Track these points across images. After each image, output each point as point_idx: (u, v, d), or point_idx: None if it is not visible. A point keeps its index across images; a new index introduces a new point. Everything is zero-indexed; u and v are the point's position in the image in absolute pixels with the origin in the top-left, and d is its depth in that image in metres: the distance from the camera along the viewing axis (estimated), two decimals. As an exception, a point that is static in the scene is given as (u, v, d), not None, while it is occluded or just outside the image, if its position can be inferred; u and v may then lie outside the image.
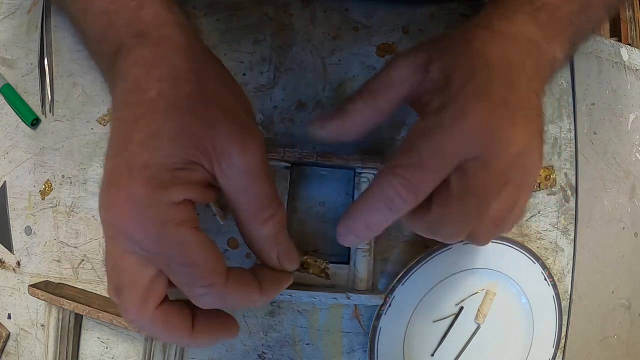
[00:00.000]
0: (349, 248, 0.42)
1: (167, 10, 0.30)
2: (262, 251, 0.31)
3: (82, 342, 0.45)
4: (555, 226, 0.48)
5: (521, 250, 0.45)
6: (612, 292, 0.49)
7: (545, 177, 0.48)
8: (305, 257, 0.40)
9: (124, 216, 0.26)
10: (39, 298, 0.42)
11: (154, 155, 0.26)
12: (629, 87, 0.51)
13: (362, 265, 0.41)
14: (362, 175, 0.41)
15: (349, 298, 0.38)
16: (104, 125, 0.46)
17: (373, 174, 0.41)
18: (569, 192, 0.48)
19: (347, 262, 0.42)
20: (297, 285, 0.39)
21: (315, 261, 0.40)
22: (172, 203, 0.26)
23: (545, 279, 0.45)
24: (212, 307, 0.28)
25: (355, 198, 0.41)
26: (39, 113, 0.46)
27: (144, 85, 0.27)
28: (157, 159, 0.26)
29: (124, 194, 0.26)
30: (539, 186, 0.47)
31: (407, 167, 0.28)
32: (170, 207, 0.26)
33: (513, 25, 0.32)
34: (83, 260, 0.45)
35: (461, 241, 0.33)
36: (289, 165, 0.41)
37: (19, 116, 0.47)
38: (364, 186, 0.41)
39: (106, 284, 0.45)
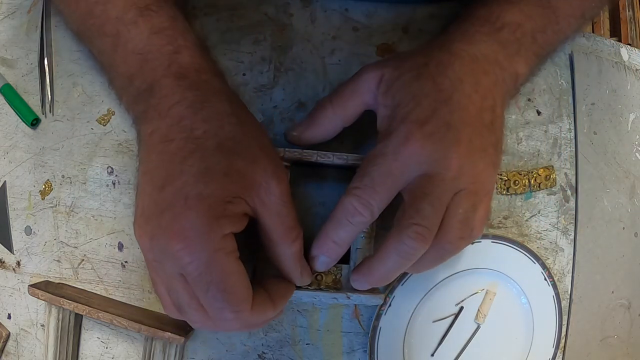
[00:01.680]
0: (349, 248, 0.42)
1: (202, 57, 0.34)
2: (289, 267, 0.35)
3: (82, 342, 0.45)
4: (555, 226, 0.48)
5: (521, 250, 0.45)
6: (612, 292, 0.49)
7: (546, 177, 0.48)
8: None
9: (176, 243, 0.29)
10: (39, 298, 0.42)
11: (208, 187, 0.29)
12: (629, 87, 0.51)
13: None
14: None
15: (349, 298, 0.38)
16: (104, 125, 0.46)
17: None
18: (569, 192, 0.48)
19: (347, 262, 0.42)
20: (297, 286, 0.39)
21: (330, 270, 0.40)
22: (223, 234, 0.30)
23: (545, 279, 0.45)
24: (231, 330, 0.34)
25: None
26: (39, 113, 0.46)
27: (190, 124, 0.30)
28: (211, 191, 0.29)
29: (178, 223, 0.29)
30: (539, 186, 0.47)
31: (361, 188, 0.33)
32: (222, 237, 0.30)
33: (472, 46, 0.35)
34: (83, 260, 0.45)
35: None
36: (288, 165, 0.41)
37: (19, 116, 0.47)
38: None
39: (106, 283, 0.45)
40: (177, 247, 0.29)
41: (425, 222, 0.32)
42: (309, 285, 0.39)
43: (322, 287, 0.39)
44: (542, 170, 0.47)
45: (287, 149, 0.39)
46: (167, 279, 0.31)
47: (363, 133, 0.45)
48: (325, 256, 0.36)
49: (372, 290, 0.40)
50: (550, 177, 0.48)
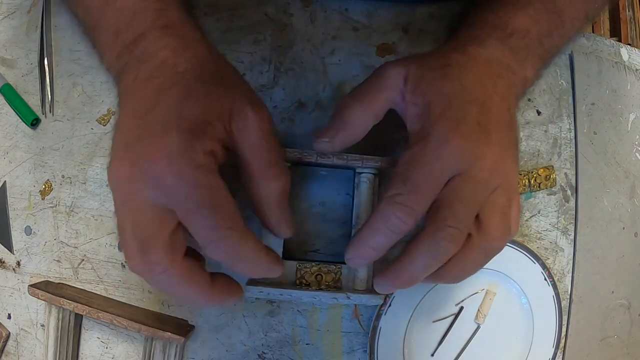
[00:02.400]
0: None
1: (187, 14, 0.35)
2: (264, 211, 0.35)
3: (82, 342, 0.45)
4: (555, 226, 0.48)
5: (521, 250, 0.45)
6: (612, 292, 0.49)
7: (546, 177, 0.48)
8: (318, 266, 0.40)
9: (158, 162, 0.29)
10: (39, 298, 0.42)
11: (188, 110, 0.30)
12: (629, 87, 0.51)
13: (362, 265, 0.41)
14: (362, 175, 0.41)
15: (349, 298, 0.38)
16: (104, 125, 0.46)
17: (373, 173, 0.41)
18: (569, 192, 0.48)
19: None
20: (300, 285, 0.39)
21: (329, 270, 0.40)
22: (204, 151, 0.30)
23: (545, 279, 0.45)
24: (226, 256, 0.31)
25: (355, 198, 0.41)
26: (39, 113, 0.46)
27: (173, 63, 0.32)
28: (191, 113, 0.30)
29: (160, 143, 0.29)
30: (539, 186, 0.47)
31: (404, 194, 0.32)
32: (203, 154, 0.30)
33: (485, 50, 0.36)
34: (83, 260, 0.45)
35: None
36: (289, 165, 0.41)
37: (19, 116, 0.47)
38: (364, 186, 0.41)
39: (106, 283, 0.45)
40: (161, 166, 0.29)
41: (460, 225, 0.32)
42: (308, 285, 0.39)
43: (322, 287, 0.39)
44: (542, 170, 0.47)
45: (287, 149, 0.39)
46: (136, 212, 0.30)
47: (363, 133, 0.45)
48: (362, 259, 0.35)
49: (372, 290, 0.40)
50: (550, 177, 0.48)
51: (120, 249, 0.45)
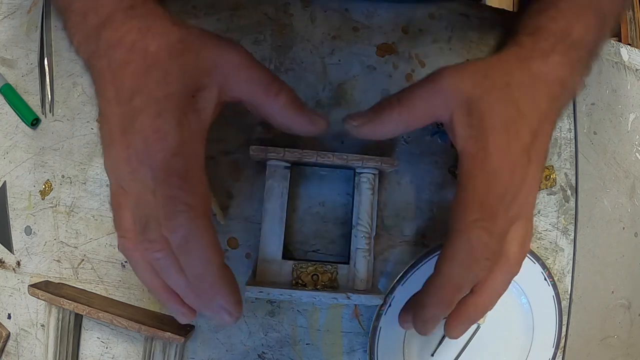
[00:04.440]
0: (349, 248, 0.42)
1: None
2: (289, 123, 0.36)
3: (82, 342, 0.45)
4: (555, 226, 0.48)
5: (521, 250, 0.45)
6: (612, 292, 0.49)
7: (545, 177, 0.48)
8: (314, 266, 0.40)
9: (149, 136, 0.30)
10: (39, 298, 0.42)
11: (172, 87, 0.31)
12: (629, 87, 0.51)
13: (362, 265, 0.41)
14: (362, 175, 0.41)
15: (349, 298, 0.38)
16: (104, 125, 0.46)
17: (373, 173, 0.41)
18: (569, 192, 0.48)
19: (347, 262, 0.42)
20: (297, 285, 0.39)
21: (325, 270, 0.40)
22: (193, 129, 0.32)
23: (545, 279, 0.45)
24: (176, 236, 0.30)
25: (355, 198, 0.41)
26: (39, 113, 0.46)
27: (143, 44, 0.32)
28: (175, 89, 0.31)
29: (154, 120, 0.31)
30: (539, 187, 0.47)
31: (485, 219, 0.33)
32: (191, 132, 0.32)
33: (549, 67, 0.36)
34: (83, 260, 0.45)
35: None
36: (289, 165, 0.41)
37: (19, 116, 0.47)
38: (364, 186, 0.41)
39: (106, 283, 0.45)
40: (151, 140, 0.30)
41: (494, 257, 0.34)
42: (305, 285, 0.39)
43: (318, 287, 0.39)
44: (542, 170, 0.47)
45: (287, 149, 0.39)
46: (136, 194, 0.32)
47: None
48: (446, 307, 0.35)
49: (372, 290, 0.40)
50: (550, 177, 0.48)
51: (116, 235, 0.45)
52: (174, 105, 0.31)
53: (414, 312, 0.36)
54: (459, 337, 0.38)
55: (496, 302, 0.37)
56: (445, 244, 0.34)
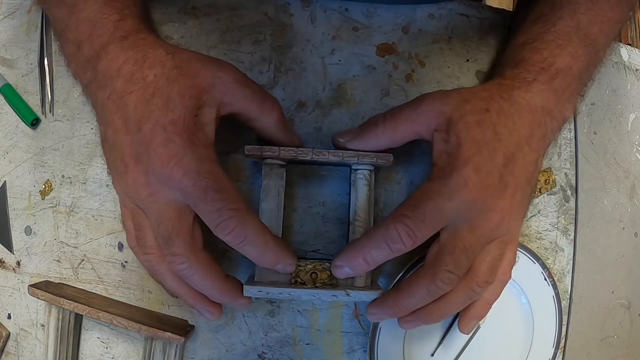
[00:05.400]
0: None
1: (142, 23, 0.38)
2: (277, 136, 0.40)
3: (82, 342, 0.45)
4: (555, 226, 0.48)
5: (521, 250, 0.45)
6: (612, 292, 0.49)
7: (545, 180, 0.48)
8: (313, 264, 0.40)
9: (168, 162, 0.32)
10: (39, 298, 0.42)
11: (175, 112, 0.33)
12: (629, 87, 0.51)
13: None
14: (358, 171, 0.41)
15: (348, 295, 0.38)
16: (104, 125, 0.46)
17: (369, 169, 0.41)
18: (569, 192, 0.48)
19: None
20: (296, 284, 0.39)
21: (324, 267, 0.40)
22: (203, 145, 0.34)
23: (545, 279, 0.45)
24: (233, 236, 0.33)
25: (352, 195, 0.41)
26: (39, 113, 0.46)
27: (141, 75, 0.34)
28: (179, 113, 0.33)
29: (164, 149, 0.33)
30: (540, 190, 0.47)
31: (411, 218, 0.34)
32: (203, 148, 0.34)
33: (531, 95, 0.37)
34: (83, 260, 0.45)
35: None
36: (284, 164, 0.41)
37: (19, 116, 0.47)
38: (360, 182, 0.41)
39: (106, 283, 0.45)
40: (171, 165, 0.32)
41: (458, 271, 0.35)
42: (304, 284, 0.39)
43: (317, 284, 0.39)
44: (540, 174, 0.47)
45: (281, 148, 0.39)
46: (158, 212, 0.34)
47: (363, 133, 0.45)
48: (350, 269, 0.36)
49: (372, 286, 0.40)
50: (549, 180, 0.48)
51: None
52: (181, 129, 0.33)
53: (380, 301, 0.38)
54: (408, 329, 0.41)
55: (450, 314, 0.38)
56: (412, 274, 0.36)
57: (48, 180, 0.46)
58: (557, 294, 0.46)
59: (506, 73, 0.40)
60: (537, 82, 0.38)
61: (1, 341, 0.45)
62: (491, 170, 0.34)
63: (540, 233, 0.47)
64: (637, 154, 0.51)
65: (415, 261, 0.42)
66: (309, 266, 0.40)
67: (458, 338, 0.45)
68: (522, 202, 0.37)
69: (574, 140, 0.49)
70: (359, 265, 0.36)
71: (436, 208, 0.34)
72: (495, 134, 0.35)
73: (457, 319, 0.42)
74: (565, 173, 0.48)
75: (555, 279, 0.46)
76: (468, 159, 0.34)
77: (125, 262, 0.45)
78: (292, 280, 0.39)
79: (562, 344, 0.47)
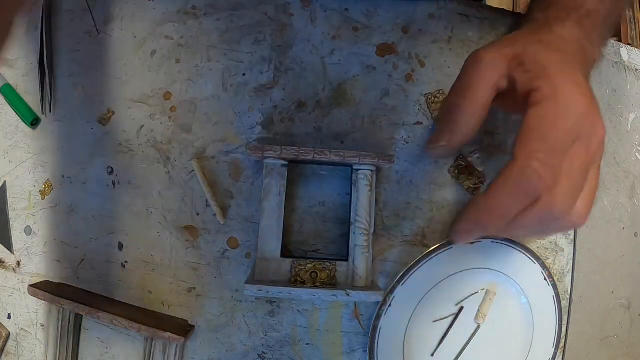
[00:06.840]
0: (348, 247, 0.42)
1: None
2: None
3: (82, 342, 0.45)
4: (555, 226, 0.48)
5: (521, 250, 0.45)
6: (612, 292, 0.49)
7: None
8: (313, 264, 0.40)
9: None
10: (39, 298, 0.42)
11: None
12: (629, 87, 0.51)
13: (361, 262, 0.41)
14: (359, 172, 0.41)
15: (348, 295, 0.38)
16: (104, 125, 0.46)
17: (370, 170, 0.41)
18: (569, 192, 0.48)
19: (346, 260, 0.42)
20: (296, 283, 0.39)
21: (324, 267, 0.40)
22: None
23: (545, 279, 0.45)
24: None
25: (353, 195, 0.41)
26: (39, 113, 0.46)
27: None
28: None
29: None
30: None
31: (545, 151, 0.31)
32: None
33: (566, 29, 0.39)
34: (83, 260, 0.45)
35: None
36: (285, 163, 0.41)
37: (19, 116, 0.47)
38: (361, 183, 0.41)
39: (106, 283, 0.45)
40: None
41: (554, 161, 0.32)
42: (304, 283, 0.39)
43: (317, 284, 0.39)
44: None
45: (284, 147, 0.39)
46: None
47: (363, 132, 0.45)
48: (481, 230, 0.34)
49: (372, 287, 0.40)
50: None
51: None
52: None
53: (457, 220, 0.36)
54: (460, 242, 0.39)
55: (522, 236, 0.37)
56: (500, 171, 0.33)
57: (48, 180, 0.46)
58: (557, 294, 0.46)
59: (538, 16, 0.40)
60: (570, 20, 0.39)
61: (1, 341, 0.45)
62: (574, 79, 0.34)
63: (540, 233, 0.47)
64: (637, 154, 0.51)
65: (415, 262, 0.42)
66: (309, 265, 0.40)
67: (458, 338, 0.45)
68: (595, 102, 0.36)
69: (574, 140, 0.49)
70: (494, 223, 0.33)
71: (564, 132, 0.32)
72: (556, 54, 0.36)
73: (458, 315, 0.42)
74: (565, 173, 0.48)
75: (555, 279, 0.46)
76: (559, 72, 0.34)
77: (125, 262, 0.45)
78: (292, 280, 0.39)
79: (562, 344, 0.47)
